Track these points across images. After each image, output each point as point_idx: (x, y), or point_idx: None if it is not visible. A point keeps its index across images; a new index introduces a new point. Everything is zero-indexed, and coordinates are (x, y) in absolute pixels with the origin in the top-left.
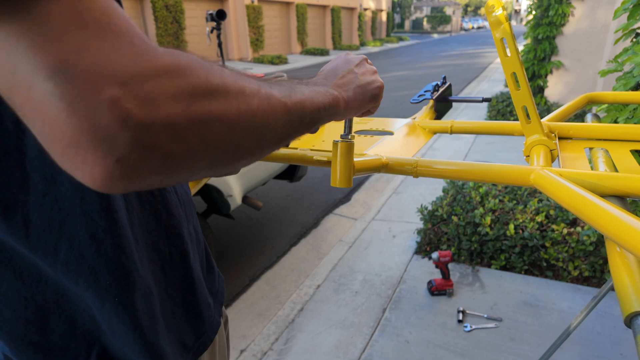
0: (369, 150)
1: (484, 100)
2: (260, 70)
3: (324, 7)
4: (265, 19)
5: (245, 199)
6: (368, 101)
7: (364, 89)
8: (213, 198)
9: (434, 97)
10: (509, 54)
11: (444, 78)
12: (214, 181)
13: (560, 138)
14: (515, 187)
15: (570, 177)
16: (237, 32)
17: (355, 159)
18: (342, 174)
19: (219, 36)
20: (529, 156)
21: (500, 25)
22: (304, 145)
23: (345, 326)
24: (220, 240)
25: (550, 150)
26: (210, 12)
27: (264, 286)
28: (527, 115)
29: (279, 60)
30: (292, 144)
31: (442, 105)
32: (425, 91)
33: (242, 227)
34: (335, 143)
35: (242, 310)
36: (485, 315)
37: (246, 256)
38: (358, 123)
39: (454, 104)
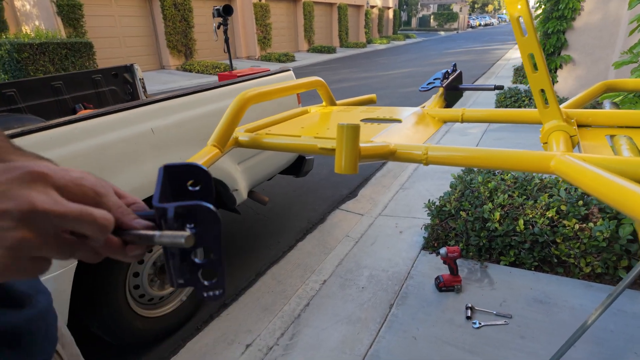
0: (376, 137)
1: (496, 87)
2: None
3: (330, 4)
4: (272, 17)
5: (251, 193)
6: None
7: None
8: (219, 192)
9: (444, 85)
10: (526, 34)
11: (454, 65)
12: (219, 175)
13: (578, 126)
14: (524, 182)
15: (595, 163)
16: (244, 30)
17: (361, 145)
18: (347, 159)
19: (225, 32)
20: (546, 143)
21: (516, 4)
22: (308, 133)
23: (351, 322)
24: (226, 235)
25: (571, 137)
26: (217, 7)
27: (270, 281)
28: (545, 99)
29: (286, 57)
30: (296, 132)
31: (453, 93)
32: (434, 79)
33: (248, 221)
34: (340, 126)
35: (248, 304)
36: (495, 312)
37: (252, 251)
38: (364, 111)
39: (461, 98)
